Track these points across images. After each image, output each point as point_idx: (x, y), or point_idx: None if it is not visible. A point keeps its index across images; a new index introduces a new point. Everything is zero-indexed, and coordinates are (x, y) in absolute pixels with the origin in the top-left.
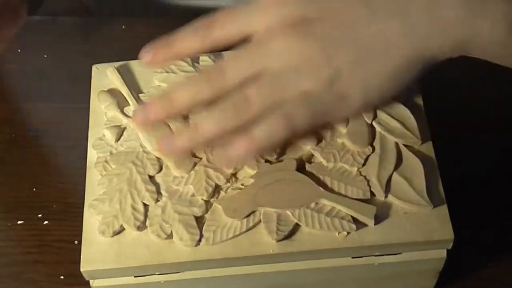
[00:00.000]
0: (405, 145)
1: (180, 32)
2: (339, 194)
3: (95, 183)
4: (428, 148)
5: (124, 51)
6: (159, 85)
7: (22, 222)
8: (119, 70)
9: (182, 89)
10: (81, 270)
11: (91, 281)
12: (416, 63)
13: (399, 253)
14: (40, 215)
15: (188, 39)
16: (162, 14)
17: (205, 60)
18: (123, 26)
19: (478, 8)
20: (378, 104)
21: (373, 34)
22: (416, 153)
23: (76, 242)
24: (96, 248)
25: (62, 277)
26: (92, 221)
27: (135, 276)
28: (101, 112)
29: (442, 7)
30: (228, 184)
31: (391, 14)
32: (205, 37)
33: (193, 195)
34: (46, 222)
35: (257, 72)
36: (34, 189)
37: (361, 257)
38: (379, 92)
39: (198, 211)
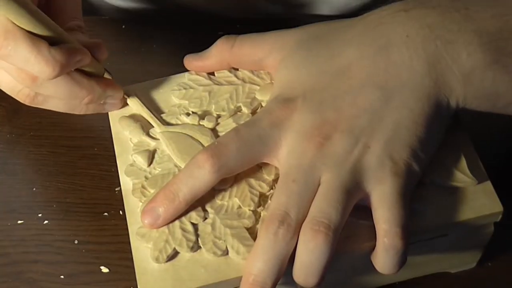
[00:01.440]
0: None
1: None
2: None
3: (136, 211)
4: (459, 126)
5: (125, 52)
6: (179, 103)
7: (22, 221)
8: (135, 93)
9: None
10: None
11: None
12: (435, 112)
13: (448, 234)
14: (40, 215)
15: (196, 176)
16: (160, 13)
17: (221, 71)
18: (123, 26)
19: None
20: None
21: (395, 107)
22: (449, 132)
23: (76, 242)
24: (152, 276)
25: (62, 276)
26: (142, 249)
27: None
28: (126, 138)
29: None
30: (272, 191)
31: (402, 84)
32: (214, 171)
33: (239, 207)
34: (46, 221)
35: (314, 194)
36: (34, 189)
37: (413, 242)
38: (428, 148)
39: (248, 222)
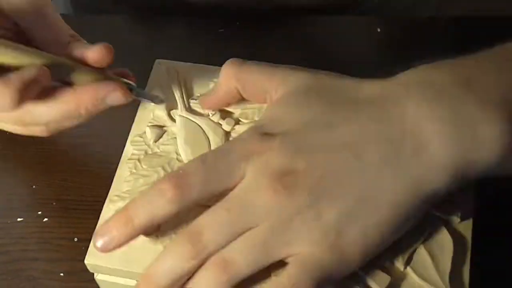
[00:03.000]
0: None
1: (140, 196)
2: None
3: (122, 180)
4: (466, 226)
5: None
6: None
7: (21, 219)
8: (178, 70)
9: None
10: (85, 262)
11: (95, 274)
12: (414, 204)
13: None
14: (39, 213)
15: (155, 204)
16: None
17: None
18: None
19: (469, 142)
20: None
21: (366, 183)
22: (451, 230)
23: (76, 239)
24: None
25: (62, 274)
26: (109, 216)
27: (137, 280)
28: (150, 109)
29: (431, 149)
30: None
31: (382, 161)
32: (175, 202)
33: None
34: (45, 219)
35: (240, 233)
36: (34, 187)
37: None
38: (380, 242)
39: None
